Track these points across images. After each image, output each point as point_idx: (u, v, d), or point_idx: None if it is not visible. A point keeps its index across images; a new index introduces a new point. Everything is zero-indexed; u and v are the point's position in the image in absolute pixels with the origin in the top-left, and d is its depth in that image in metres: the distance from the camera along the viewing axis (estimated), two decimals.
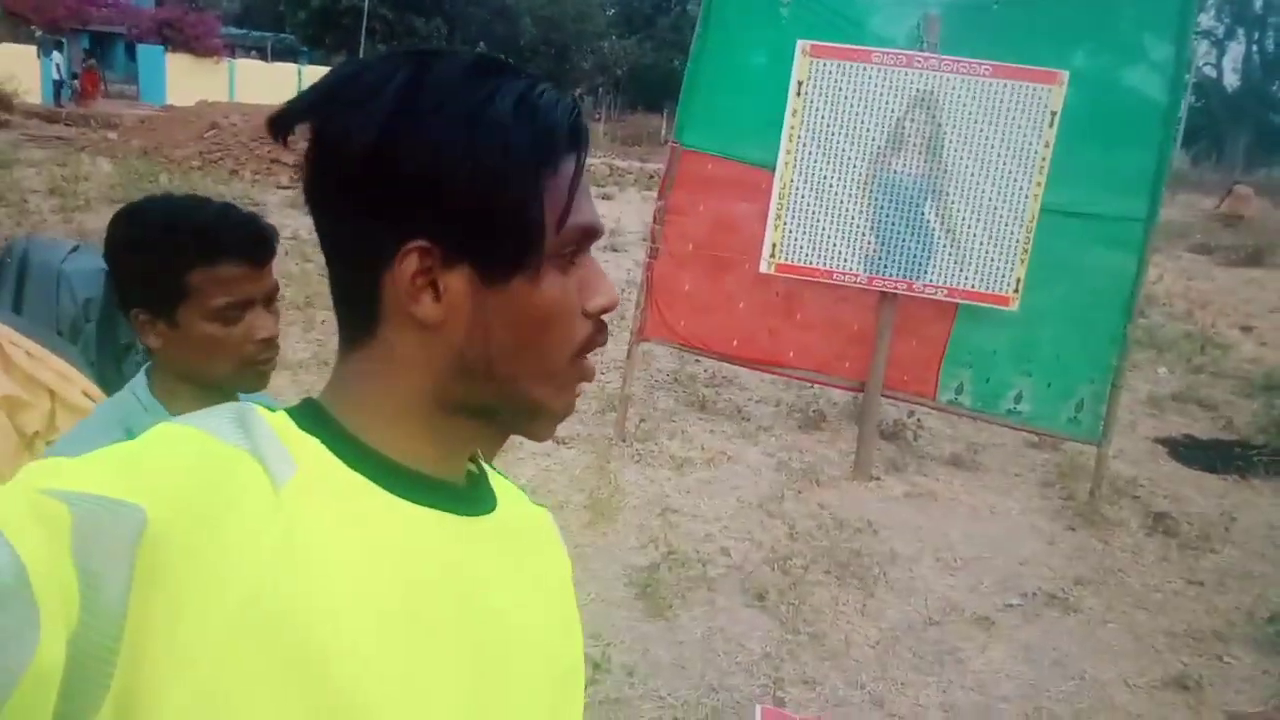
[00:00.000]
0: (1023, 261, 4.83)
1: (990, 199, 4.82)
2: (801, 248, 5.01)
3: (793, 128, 4.94)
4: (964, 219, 4.86)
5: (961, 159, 4.82)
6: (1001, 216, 4.82)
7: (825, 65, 4.87)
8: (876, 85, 4.83)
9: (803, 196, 4.98)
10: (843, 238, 4.97)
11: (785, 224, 5.01)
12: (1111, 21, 4.87)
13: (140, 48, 26.16)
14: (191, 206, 1.22)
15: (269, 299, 1.22)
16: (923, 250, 4.91)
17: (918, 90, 4.80)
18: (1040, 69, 4.71)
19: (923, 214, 4.89)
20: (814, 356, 5.25)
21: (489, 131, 0.58)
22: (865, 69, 4.84)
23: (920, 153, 4.85)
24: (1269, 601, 4.04)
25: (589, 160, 0.65)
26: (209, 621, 0.50)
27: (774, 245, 5.03)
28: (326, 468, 0.58)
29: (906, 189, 4.89)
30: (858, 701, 3.17)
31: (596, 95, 30.37)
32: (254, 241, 1.20)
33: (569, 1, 32.22)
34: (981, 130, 4.77)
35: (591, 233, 0.64)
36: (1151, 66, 4.79)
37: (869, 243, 4.96)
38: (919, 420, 5.80)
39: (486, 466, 0.71)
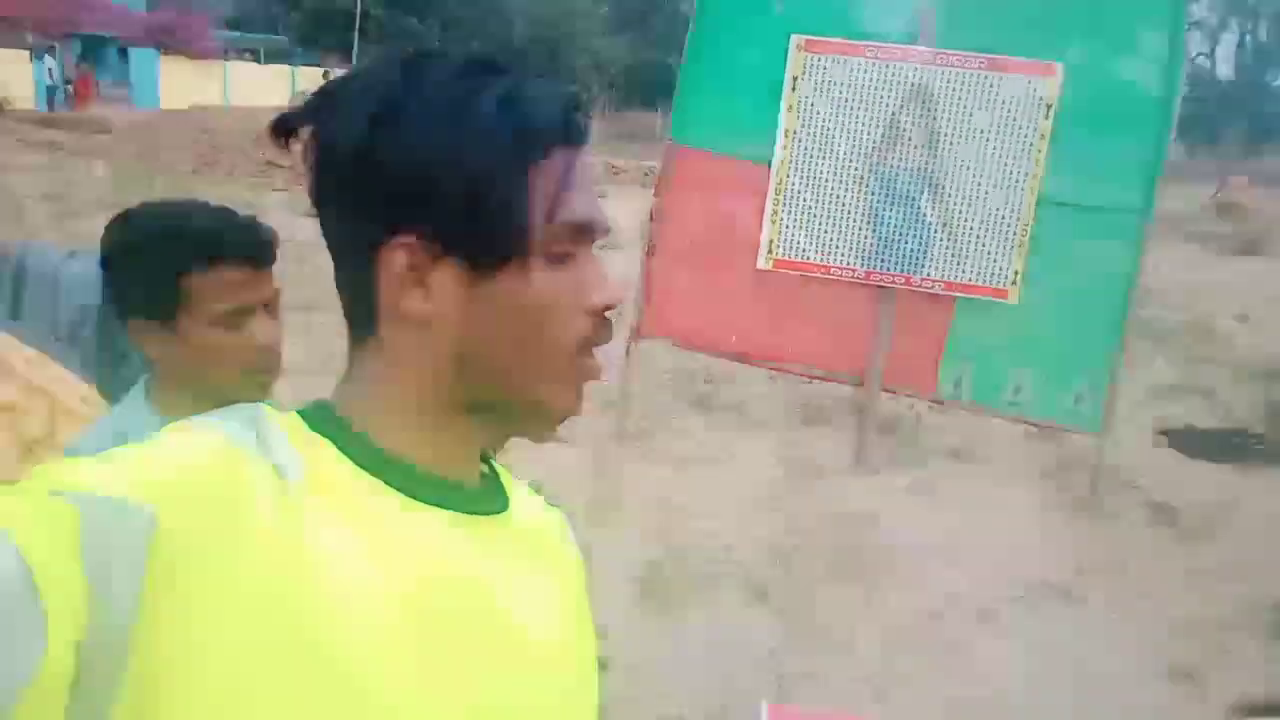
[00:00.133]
0: (1020, 254, 4.82)
1: (987, 192, 4.81)
2: (799, 243, 5.01)
3: (788, 123, 4.94)
4: (961, 212, 4.85)
5: (957, 152, 4.81)
6: (998, 209, 4.82)
7: (819, 60, 4.86)
8: (871, 79, 4.83)
9: (799, 192, 4.98)
10: (840, 232, 4.97)
11: (782, 220, 5.01)
12: (1105, 12, 4.86)
13: (133, 51, 26.08)
14: (189, 210, 1.18)
15: (271, 305, 1.18)
16: (920, 244, 4.91)
17: (913, 84, 4.79)
18: (1035, 61, 4.70)
19: (919, 207, 4.89)
20: (813, 352, 5.24)
21: (472, 126, 0.59)
22: (860, 63, 4.83)
23: (916, 146, 4.85)
24: (1270, 590, 4.04)
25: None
26: (221, 621, 0.50)
27: (771, 241, 5.02)
28: (336, 468, 0.59)
29: (903, 183, 4.89)
30: (861, 695, 3.18)
31: (591, 93, 30.36)
32: (255, 244, 1.16)
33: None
34: (977, 123, 4.77)
35: (587, 228, 0.63)
36: (1146, 57, 4.79)
37: (866, 237, 4.95)
38: (918, 414, 5.80)
39: (500, 468, 0.71)
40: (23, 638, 0.43)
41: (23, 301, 3.28)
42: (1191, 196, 18.39)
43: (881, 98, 4.83)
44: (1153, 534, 4.64)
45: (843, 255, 4.98)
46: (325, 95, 0.62)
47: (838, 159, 4.92)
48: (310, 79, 24.18)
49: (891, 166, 4.89)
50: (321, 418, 0.61)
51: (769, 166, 4.98)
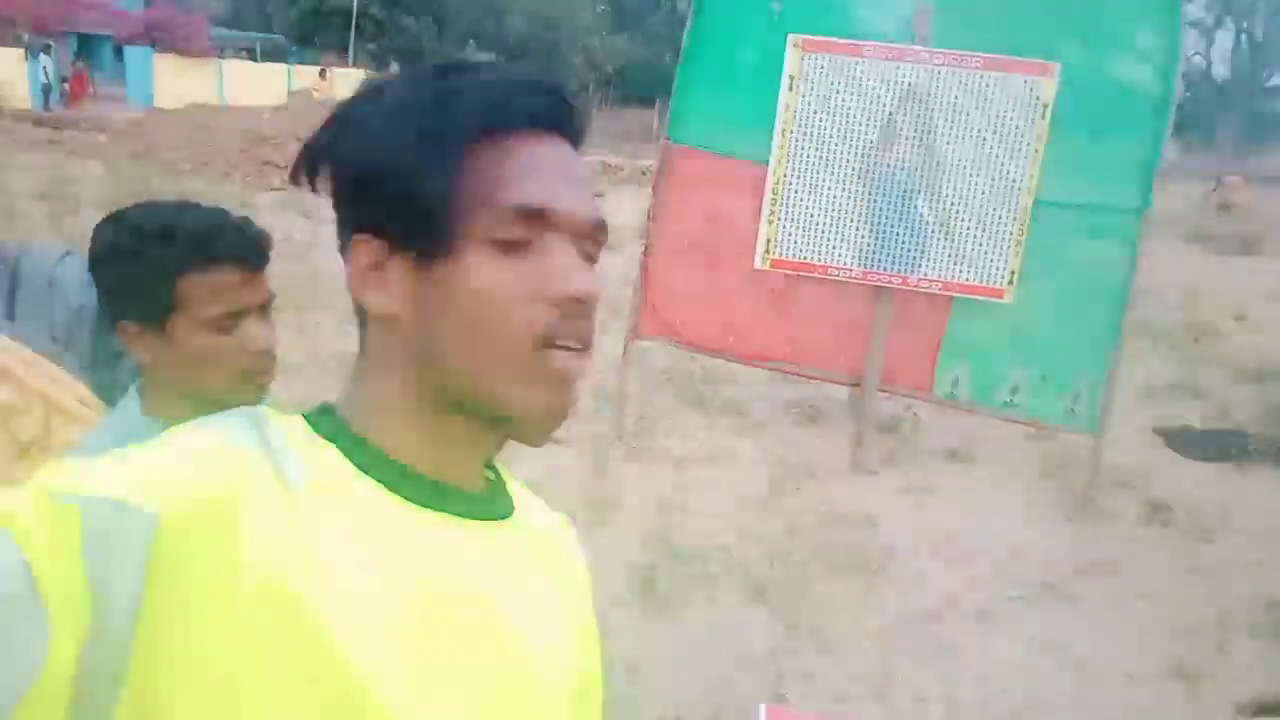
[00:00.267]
0: (1017, 253, 4.83)
1: (983, 191, 4.82)
2: (796, 243, 5.01)
3: (785, 123, 4.94)
4: (958, 212, 4.86)
5: (954, 152, 4.82)
6: (995, 209, 4.82)
7: (817, 59, 4.86)
8: (868, 79, 4.83)
9: (796, 191, 4.98)
10: (837, 232, 4.97)
11: (779, 219, 5.00)
12: (1102, 12, 4.87)
13: (127, 49, 26.01)
14: (180, 211, 1.15)
15: (264, 307, 1.16)
16: (917, 244, 4.91)
17: (909, 83, 4.79)
18: (1032, 61, 4.71)
19: (916, 207, 4.89)
20: (810, 351, 5.24)
21: (404, 119, 0.60)
22: (857, 63, 4.83)
23: (913, 146, 4.85)
24: (1267, 589, 4.05)
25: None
26: (220, 620, 0.51)
27: (768, 241, 5.02)
28: (338, 473, 0.59)
29: (900, 182, 4.89)
30: (859, 696, 3.17)
31: (587, 91, 30.33)
32: (248, 246, 1.13)
33: None
34: (974, 123, 4.77)
35: (538, 213, 0.59)
36: (1142, 56, 4.79)
37: (863, 237, 4.95)
38: (916, 414, 5.80)
39: (506, 473, 0.71)
40: (25, 638, 0.44)
41: (18, 301, 3.26)
42: (1188, 196, 18.42)
43: (879, 97, 4.83)
44: (1150, 534, 4.64)
45: (840, 255, 4.98)
46: (330, 117, 0.65)
47: (835, 159, 4.92)
48: (306, 77, 24.13)
49: (889, 166, 4.89)
50: (324, 421, 0.62)
51: (766, 166, 4.98)
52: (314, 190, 0.64)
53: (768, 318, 5.19)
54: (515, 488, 0.71)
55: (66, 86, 23.36)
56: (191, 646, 0.50)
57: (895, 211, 4.90)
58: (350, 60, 28.61)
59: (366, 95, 0.63)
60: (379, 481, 0.59)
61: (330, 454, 0.59)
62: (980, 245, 4.86)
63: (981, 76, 4.73)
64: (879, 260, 4.94)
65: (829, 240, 4.98)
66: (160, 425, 1.09)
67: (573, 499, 4.35)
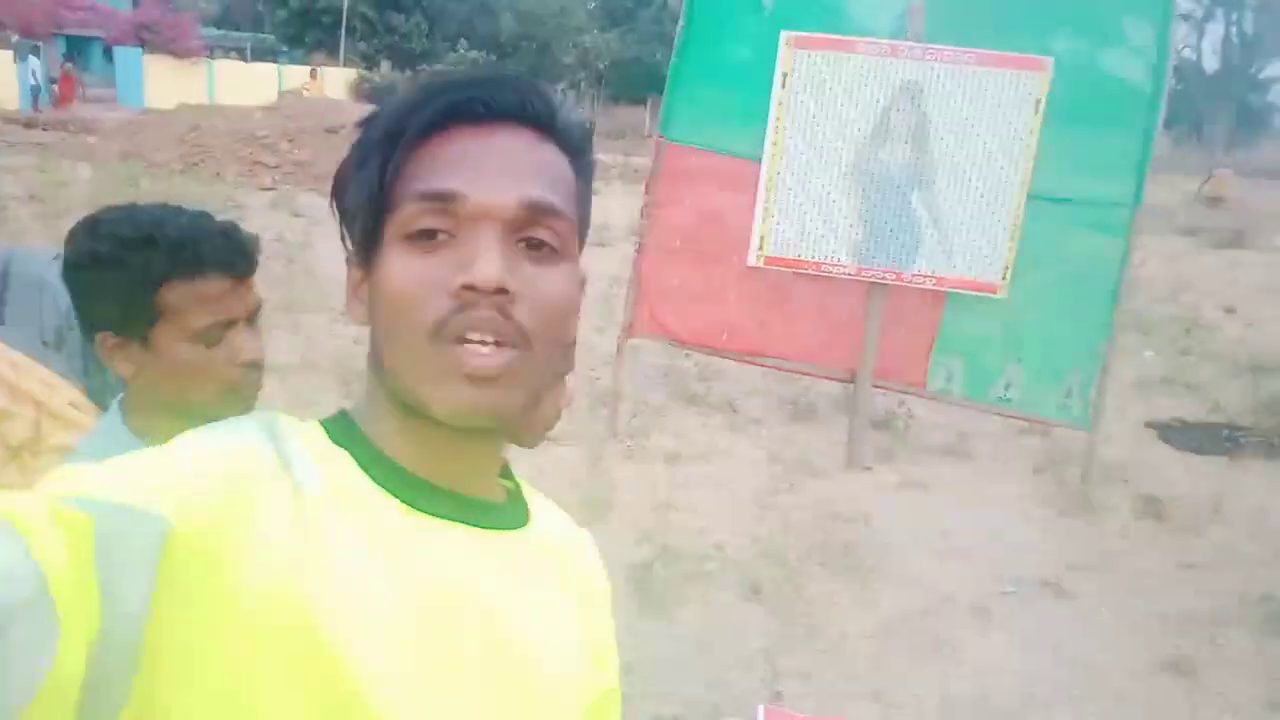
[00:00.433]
0: (1010, 249, 4.83)
1: (977, 187, 4.82)
2: (789, 240, 5.01)
3: (778, 119, 4.93)
4: (951, 207, 4.86)
5: (948, 147, 4.82)
6: (988, 204, 4.83)
7: (810, 56, 4.86)
8: (861, 75, 4.83)
9: (790, 188, 4.97)
10: (831, 229, 4.97)
11: (773, 216, 5.00)
12: (1094, 7, 4.88)
13: (117, 50, 25.91)
14: (161, 216, 1.07)
15: (252, 316, 1.10)
16: (911, 239, 4.91)
17: (903, 80, 4.79)
18: (1025, 56, 4.71)
19: (910, 203, 4.89)
20: (804, 348, 5.25)
21: (368, 127, 0.62)
22: (850, 59, 4.83)
23: (906, 142, 4.85)
24: (1260, 583, 4.06)
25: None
26: (228, 627, 0.51)
27: (762, 238, 5.02)
28: (351, 481, 0.59)
29: (893, 179, 4.89)
30: (855, 693, 3.18)
31: (579, 89, 30.29)
32: (235, 253, 1.07)
33: None
34: (967, 118, 4.78)
35: (441, 198, 0.57)
36: (1134, 51, 4.81)
37: (857, 233, 4.95)
38: (910, 409, 5.80)
39: (524, 484, 0.71)
40: (36, 641, 0.44)
41: (8, 304, 3.24)
42: (1179, 189, 18.48)
43: (871, 94, 4.83)
44: (1142, 527, 4.66)
45: (834, 251, 4.98)
46: None
47: (828, 155, 4.92)
48: (297, 77, 24.06)
49: (882, 162, 4.89)
50: (341, 429, 0.62)
51: (759, 163, 4.97)
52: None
53: (762, 315, 5.19)
54: (536, 499, 0.72)
55: (55, 88, 23.25)
56: (199, 651, 0.50)
57: (889, 207, 4.90)
58: (341, 60, 28.54)
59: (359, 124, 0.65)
60: (389, 491, 0.60)
61: (345, 463, 0.60)
62: (974, 241, 4.86)
63: (974, 72, 4.74)
64: (873, 256, 4.94)
65: (823, 236, 4.98)
66: (145, 441, 1.03)
67: (567, 497, 4.34)
